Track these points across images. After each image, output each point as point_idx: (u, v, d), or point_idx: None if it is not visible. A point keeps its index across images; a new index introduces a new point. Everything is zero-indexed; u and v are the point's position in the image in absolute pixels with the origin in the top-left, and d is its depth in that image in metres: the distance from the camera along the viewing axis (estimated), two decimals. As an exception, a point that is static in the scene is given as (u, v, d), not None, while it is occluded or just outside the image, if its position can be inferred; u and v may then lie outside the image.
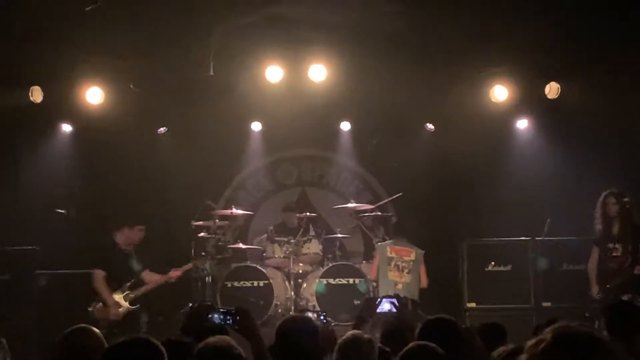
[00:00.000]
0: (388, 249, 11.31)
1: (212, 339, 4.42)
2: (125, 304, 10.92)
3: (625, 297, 9.76)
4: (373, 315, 10.98)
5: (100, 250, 11.32)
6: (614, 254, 10.54)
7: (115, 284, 11.00)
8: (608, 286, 10.33)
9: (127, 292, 10.99)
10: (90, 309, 10.86)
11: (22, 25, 10.63)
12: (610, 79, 11.63)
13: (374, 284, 11.69)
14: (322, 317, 9.03)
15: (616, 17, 10.71)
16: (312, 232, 12.79)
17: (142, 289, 11.10)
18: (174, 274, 11.40)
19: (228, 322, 5.22)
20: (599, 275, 10.57)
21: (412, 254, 11.23)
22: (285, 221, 13.11)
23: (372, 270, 11.55)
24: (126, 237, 11.22)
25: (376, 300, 11.04)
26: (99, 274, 10.89)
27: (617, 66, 11.53)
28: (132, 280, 11.08)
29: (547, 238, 11.84)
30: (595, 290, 10.51)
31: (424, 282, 11.36)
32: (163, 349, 3.81)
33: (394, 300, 10.16)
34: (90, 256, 11.34)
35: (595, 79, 11.75)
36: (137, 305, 11.03)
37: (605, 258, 10.59)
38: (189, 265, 11.70)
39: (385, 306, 11.35)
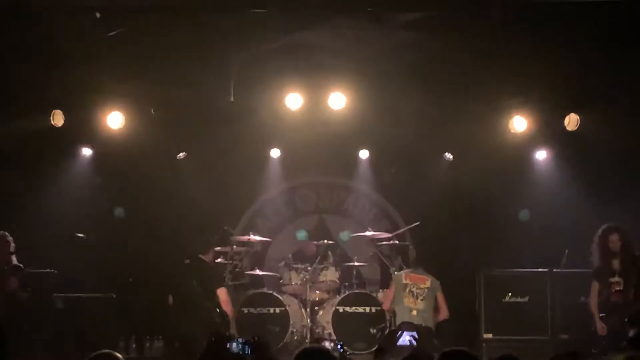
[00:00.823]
0: (403, 276, 11.31)
1: None
2: None
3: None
4: (394, 346, 10.96)
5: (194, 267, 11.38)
6: (617, 288, 10.43)
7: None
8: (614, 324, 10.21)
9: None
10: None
11: (44, 49, 10.70)
12: (630, 110, 11.60)
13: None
14: (339, 347, 9.00)
15: (636, 49, 10.69)
16: (329, 260, 12.79)
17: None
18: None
19: (247, 352, 5.19)
20: (603, 310, 10.46)
21: (427, 282, 11.20)
22: (302, 249, 13.11)
23: (387, 299, 11.50)
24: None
25: (398, 331, 11.03)
26: (222, 292, 11.05)
27: (637, 98, 11.50)
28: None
29: (565, 269, 11.79)
30: (600, 326, 10.39)
31: (444, 313, 11.29)
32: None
33: (414, 334, 10.15)
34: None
35: (614, 110, 11.72)
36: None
37: (607, 293, 10.48)
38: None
39: (406, 338, 11.37)
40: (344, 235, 12.00)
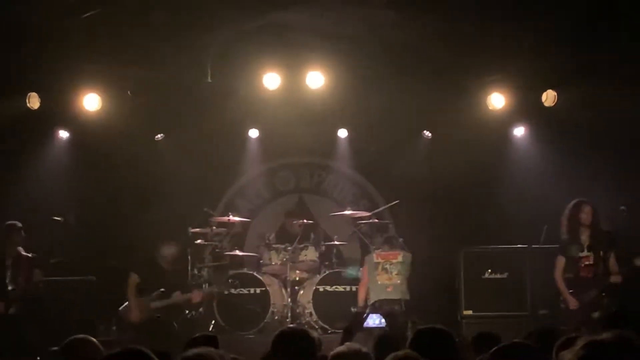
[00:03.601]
0: (374, 256, 11.33)
1: (197, 349, 4.40)
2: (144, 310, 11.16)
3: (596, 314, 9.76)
4: (361, 329, 11.01)
5: (141, 258, 11.69)
6: (586, 263, 10.37)
7: (146, 292, 11.23)
8: (586, 299, 10.23)
9: (153, 299, 11.18)
10: (120, 309, 11.35)
11: (19, 31, 10.62)
12: (607, 86, 11.63)
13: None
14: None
15: (613, 25, 10.73)
16: (309, 239, 12.79)
17: (165, 302, 11.23)
18: (196, 297, 11.48)
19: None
20: (572, 285, 10.37)
21: (399, 256, 11.21)
22: (286, 226, 13.11)
23: (363, 283, 11.52)
24: (160, 253, 11.41)
25: (363, 314, 11.08)
26: (133, 279, 11.23)
27: (614, 74, 11.54)
28: (162, 291, 11.23)
29: (544, 246, 11.84)
30: (572, 301, 10.26)
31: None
32: (156, 360, 3.81)
33: (381, 315, 10.21)
34: (130, 260, 11.72)
35: (592, 86, 11.75)
36: (158, 315, 11.20)
37: (576, 267, 10.41)
38: (211, 292, 11.80)
39: (374, 320, 11.41)
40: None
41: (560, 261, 10.51)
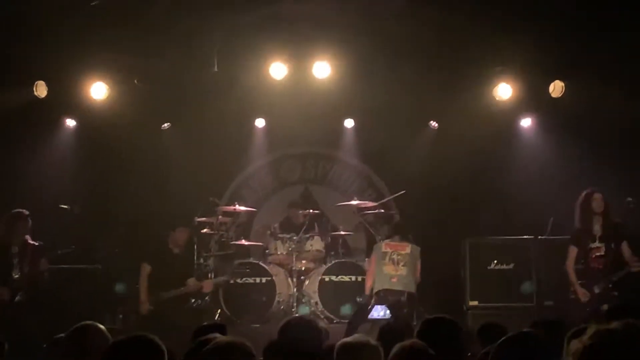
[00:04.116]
0: (383, 245, 11.29)
1: (222, 338, 4.42)
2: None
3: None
4: (365, 321, 11.01)
5: (152, 247, 11.61)
6: (597, 254, 10.27)
7: (159, 281, 11.13)
8: (596, 290, 10.19)
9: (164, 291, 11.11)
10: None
11: (27, 20, 10.63)
12: (615, 77, 11.60)
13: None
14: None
15: (622, 16, 10.69)
16: (315, 229, 12.81)
17: (177, 291, 11.14)
18: (207, 286, 11.40)
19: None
20: (582, 276, 10.27)
21: (407, 248, 11.18)
22: (290, 217, 13.12)
23: (370, 272, 11.47)
24: (172, 239, 11.32)
25: (367, 306, 11.08)
26: (145, 269, 11.15)
27: (622, 64, 11.51)
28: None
29: (550, 237, 11.83)
30: (581, 293, 10.16)
31: (418, 278, 11.30)
32: (164, 347, 3.83)
33: (386, 306, 10.18)
34: (136, 249, 11.72)
35: (599, 77, 11.71)
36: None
37: (587, 258, 10.32)
38: (225, 280, 11.77)
39: (379, 312, 11.40)
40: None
41: (573, 251, 10.39)
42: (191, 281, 11.22)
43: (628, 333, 2.52)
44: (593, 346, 2.50)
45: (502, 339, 3.90)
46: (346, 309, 11.96)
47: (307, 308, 12.13)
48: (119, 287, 12.05)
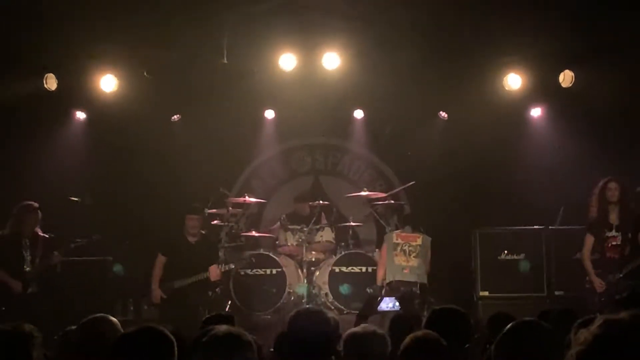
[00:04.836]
0: (394, 236, 11.27)
1: (222, 327, 4.43)
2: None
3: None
4: (374, 312, 11.02)
5: (166, 237, 11.64)
6: (613, 243, 10.22)
7: (174, 269, 11.18)
8: (611, 280, 10.14)
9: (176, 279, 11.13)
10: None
11: (36, 12, 10.64)
12: (625, 66, 11.56)
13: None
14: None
15: (633, 5, 10.64)
16: (324, 220, 12.81)
17: (189, 280, 11.13)
18: (214, 274, 11.29)
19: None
20: (598, 266, 10.23)
21: (418, 239, 11.18)
22: (296, 210, 13.13)
23: (381, 262, 11.45)
24: (186, 228, 11.36)
25: (377, 297, 11.08)
26: (160, 259, 11.26)
27: (632, 53, 11.47)
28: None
29: (560, 227, 11.81)
30: (598, 283, 10.11)
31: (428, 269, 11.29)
32: (172, 338, 3.84)
33: (395, 298, 10.17)
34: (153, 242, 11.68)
35: (609, 66, 11.68)
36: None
37: (603, 247, 10.26)
38: (231, 268, 11.71)
39: (387, 303, 11.41)
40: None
41: (589, 240, 10.34)
42: (212, 269, 11.23)
43: (637, 324, 2.51)
44: (600, 336, 2.49)
45: (506, 328, 3.88)
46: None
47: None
48: (117, 268, 12.05)
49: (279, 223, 12.91)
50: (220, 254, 12.13)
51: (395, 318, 6.16)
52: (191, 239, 11.33)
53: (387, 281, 11.01)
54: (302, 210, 13.01)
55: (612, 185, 10.22)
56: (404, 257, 11.06)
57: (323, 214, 12.88)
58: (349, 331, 4.99)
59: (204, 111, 13.37)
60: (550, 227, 11.97)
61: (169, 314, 10.62)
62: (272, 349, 5.85)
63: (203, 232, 11.62)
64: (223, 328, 4.34)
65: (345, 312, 11.80)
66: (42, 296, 10.62)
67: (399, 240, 11.14)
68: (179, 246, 11.28)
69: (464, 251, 12.38)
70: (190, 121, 13.58)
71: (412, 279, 10.94)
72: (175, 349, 3.80)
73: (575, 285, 11.09)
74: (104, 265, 12.02)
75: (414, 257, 11.05)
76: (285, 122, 14.04)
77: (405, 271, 10.97)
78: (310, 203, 12.95)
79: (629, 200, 10.30)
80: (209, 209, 12.23)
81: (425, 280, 11.02)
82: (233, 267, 11.67)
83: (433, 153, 13.41)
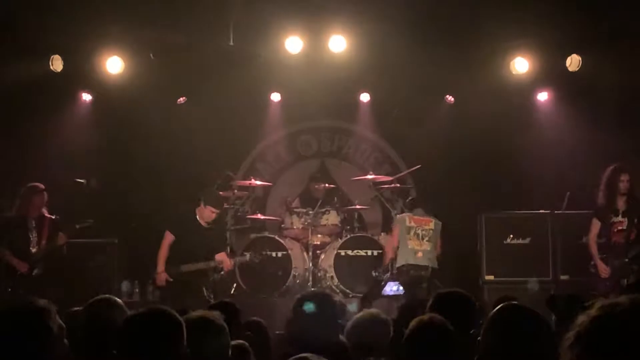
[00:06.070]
0: (407, 218, 11.23)
1: (194, 313, 4.44)
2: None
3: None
4: (378, 296, 11.02)
5: (178, 215, 11.20)
6: (619, 228, 10.26)
7: (182, 251, 10.79)
8: (616, 264, 10.16)
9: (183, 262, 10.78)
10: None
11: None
12: (633, 50, 11.52)
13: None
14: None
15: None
16: (331, 203, 12.79)
17: (192, 266, 10.74)
18: (227, 265, 10.95)
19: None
20: (604, 250, 10.28)
21: (430, 223, 11.17)
22: (310, 190, 13.08)
23: (393, 242, 11.35)
24: (200, 213, 10.87)
25: (381, 282, 11.08)
26: (168, 238, 10.81)
27: (639, 38, 11.42)
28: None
29: (566, 211, 11.80)
30: (602, 268, 10.18)
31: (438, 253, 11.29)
32: (181, 319, 3.84)
33: (399, 283, 10.17)
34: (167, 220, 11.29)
35: (616, 51, 11.64)
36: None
37: (608, 233, 10.32)
38: (245, 258, 11.39)
39: (391, 288, 11.41)
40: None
41: (596, 225, 10.42)
42: (220, 256, 10.90)
43: (635, 308, 2.50)
44: (597, 319, 2.49)
45: (493, 311, 3.81)
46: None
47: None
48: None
49: (285, 206, 12.87)
50: (227, 236, 12.11)
51: (405, 304, 6.15)
52: (203, 223, 11.01)
53: (399, 265, 10.99)
54: (316, 190, 12.94)
55: (625, 177, 10.25)
56: (417, 241, 11.04)
57: (335, 198, 12.83)
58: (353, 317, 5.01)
59: (210, 94, 13.34)
60: (556, 211, 11.94)
61: (173, 296, 10.53)
62: (277, 332, 5.86)
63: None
64: (197, 312, 4.36)
65: (350, 295, 11.81)
66: (47, 277, 10.65)
67: (412, 224, 11.11)
68: (190, 227, 10.80)
69: (470, 235, 12.37)
70: (196, 103, 13.56)
71: (424, 262, 10.93)
72: (184, 330, 3.80)
73: (580, 269, 11.10)
74: (110, 247, 12.04)
75: (426, 241, 11.05)
76: (291, 105, 14.02)
77: (418, 255, 10.96)
78: (316, 185, 12.93)
79: (635, 187, 10.33)
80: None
81: (436, 265, 11.03)
82: (247, 258, 11.27)
83: (439, 137, 13.38)
